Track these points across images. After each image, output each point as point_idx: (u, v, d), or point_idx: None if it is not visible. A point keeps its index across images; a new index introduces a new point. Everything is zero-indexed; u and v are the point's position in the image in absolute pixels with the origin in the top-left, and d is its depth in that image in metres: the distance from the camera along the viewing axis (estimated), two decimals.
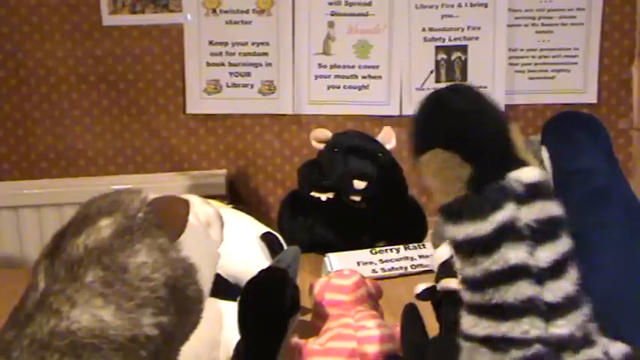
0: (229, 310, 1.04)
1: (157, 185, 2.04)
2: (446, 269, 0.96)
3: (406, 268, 1.49)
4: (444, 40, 2.13)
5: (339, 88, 2.14)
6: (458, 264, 0.72)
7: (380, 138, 1.64)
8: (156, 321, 0.64)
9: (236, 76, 2.13)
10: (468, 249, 0.70)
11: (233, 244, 1.21)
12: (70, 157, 2.15)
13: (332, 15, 2.11)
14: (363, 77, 2.14)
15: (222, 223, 0.78)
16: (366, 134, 1.69)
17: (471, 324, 0.71)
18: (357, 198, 1.57)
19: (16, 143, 2.13)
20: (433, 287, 0.96)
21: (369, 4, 2.10)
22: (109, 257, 0.63)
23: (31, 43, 2.08)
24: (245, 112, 2.15)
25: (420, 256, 1.51)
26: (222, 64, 2.12)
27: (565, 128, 1.08)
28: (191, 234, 0.69)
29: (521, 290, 0.68)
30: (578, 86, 2.15)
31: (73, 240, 0.64)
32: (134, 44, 2.10)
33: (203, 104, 2.14)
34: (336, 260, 1.45)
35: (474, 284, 0.70)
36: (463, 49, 2.14)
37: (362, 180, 1.54)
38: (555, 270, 0.69)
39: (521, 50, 2.15)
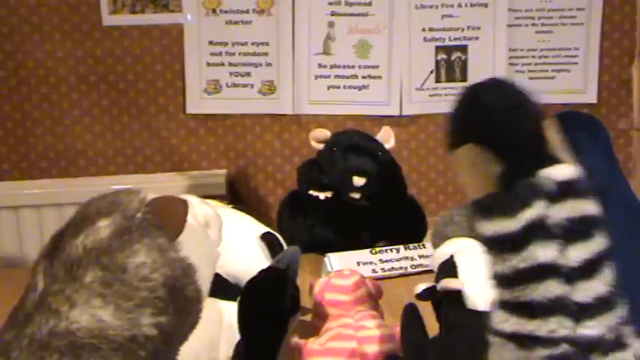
0: (229, 310, 1.05)
1: (156, 185, 2.04)
2: (446, 269, 0.96)
3: (406, 268, 1.49)
4: (444, 40, 2.13)
5: (339, 88, 2.14)
6: (488, 259, 0.71)
7: (379, 137, 1.65)
8: (155, 321, 0.64)
9: (236, 76, 2.13)
10: (497, 246, 0.70)
11: (233, 244, 1.21)
12: (70, 157, 2.15)
13: (332, 15, 2.11)
14: (363, 77, 2.14)
15: (220, 223, 0.78)
16: (365, 133, 1.69)
17: (500, 320, 0.70)
18: (356, 195, 1.57)
19: (16, 143, 2.13)
20: (433, 287, 0.96)
21: (369, 4, 2.10)
22: (108, 257, 0.63)
23: (31, 43, 2.08)
24: (245, 112, 2.15)
25: (420, 256, 1.51)
26: (222, 64, 2.12)
27: (565, 128, 1.08)
28: (190, 234, 0.69)
29: (549, 289, 0.67)
30: (578, 86, 2.15)
31: (72, 240, 0.64)
32: (134, 44, 2.10)
33: (203, 104, 2.14)
34: (336, 260, 1.45)
35: (503, 281, 0.70)
36: (463, 49, 2.14)
37: (361, 176, 1.54)
38: (587, 270, 0.68)
39: (521, 50, 2.15)
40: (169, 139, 2.16)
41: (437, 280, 0.96)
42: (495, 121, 0.71)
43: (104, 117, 2.14)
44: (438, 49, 2.13)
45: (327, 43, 2.12)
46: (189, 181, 2.09)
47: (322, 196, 1.60)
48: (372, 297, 1.18)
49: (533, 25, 2.14)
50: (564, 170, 0.70)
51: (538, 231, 0.68)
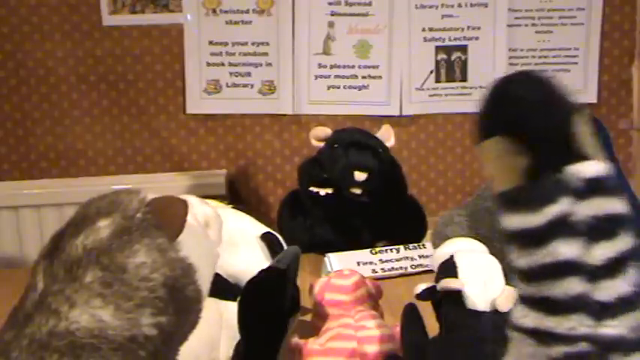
0: (229, 310, 1.04)
1: (156, 185, 2.04)
2: (446, 269, 0.96)
3: (406, 268, 1.49)
4: (444, 40, 2.13)
5: (339, 88, 2.14)
6: (512, 253, 0.71)
7: (379, 135, 1.65)
8: (155, 321, 0.64)
9: (236, 76, 2.13)
10: (521, 239, 0.69)
11: (233, 244, 1.21)
12: (70, 157, 2.15)
13: (332, 15, 2.11)
14: (363, 77, 2.14)
15: (220, 223, 0.78)
16: (365, 131, 1.69)
17: (520, 314, 0.70)
18: (357, 191, 1.57)
19: (16, 143, 2.13)
20: (433, 287, 0.96)
21: (369, 4, 2.10)
22: (108, 257, 0.63)
23: (31, 43, 2.08)
24: (245, 112, 2.15)
25: (420, 256, 1.51)
26: (222, 64, 2.12)
27: None
28: (190, 234, 0.69)
29: (570, 286, 0.67)
30: (578, 86, 2.15)
31: (72, 240, 0.64)
32: (134, 44, 2.10)
33: (203, 104, 2.14)
34: (336, 260, 1.45)
35: (524, 275, 0.69)
36: (463, 49, 2.14)
37: (363, 171, 1.55)
38: (611, 269, 0.67)
39: (521, 50, 2.15)
40: (169, 139, 2.16)
41: (437, 280, 0.96)
42: (524, 114, 0.70)
43: (104, 117, 2.14)
44: (438, 49, 2.13)
45: (327, 43, 2.12)
46: (189, 181, 2.09)
47: (323, 192, 1.60)
48: (372, 297, 1.18)
49: (533, 25, 2.14)
50: (592, 167, 0.69)
51: (562, 227, 0.67)
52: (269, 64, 2.12)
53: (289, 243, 1.26)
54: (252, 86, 2.13)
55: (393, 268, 1.49)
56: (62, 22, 2.07)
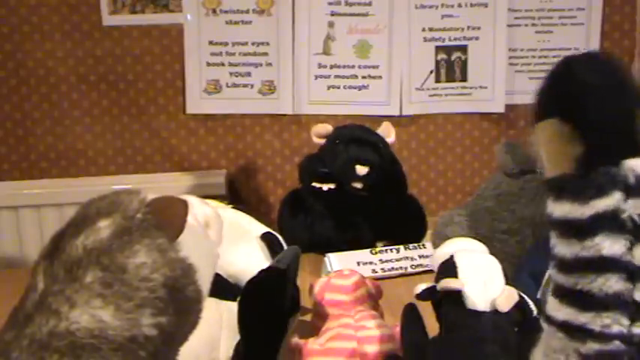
0: (229, 310, 1.04)
1: (156, 185, 2.04)
2: (446, 269, 0.96)
3: (406, 268, 1.49)
4: (444, 40, 2.13)
5: (339, 88, 2.14)
6: (552, 240, 0.69)
7: (380, 132, 1.65)
8: (155, 321, 0.64)
9: (236, 76, 2.13)
10: (564, 229, 0.67)
11: (233, 244, 1.21)
12: (70, 157, 2.15)
13: (332, 15, 2.11)
14: (363, 77, 2.14)
15: (221, 223, 0.78)
16: (366, 127, 1.70)
17: (553, 306, 0.68)
18: (358, 185, 1.58)
19: (16, 143, 2.13)
20: (433, 287, 0.96)
21: (369, 4, 2.10)
22: (108, 258, 0.63)
23: (31, 43, 2.08)
24: (245, 112, 2.15)
25: (420, 256, 1.51)
26: (222, 64, 2.12)
27: None
28: (190, 234, 0.69)
29: (609, 283, 0.65)
30: None
31: (72, 241, 0.64)
32: (134, 44, 2.10)
33: (203, 104, 2.14)
34: (336, 260, 1.45)
35: (562, 265, 0.68)
36: (463, 49, 2.14)
37: (364, 165, 1.55)
38: None
39: (521, 50, 2.15)
40: (169, 139, 2.16)
41: (437, 280, 0.96)
42: (585, 99, 0.65)
43: (104, 117, 2.14)
44: (438, 49, 2.13)
45: (327, 43, 2.12)
46: (189, 181, 2.09)
47: (325, 187, 1.60)
48: (372, 297, 1.18)
49: (533, 25, 2.14)
50: None
51: (609, 222, 0.65)
52: (269, 64, 2.12)
53: (289, 242, 1.26)
54: (252, 86, 2.13)
55: (393, 268, 1.49)
56: (62, 22, 2.07)
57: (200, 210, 0.75)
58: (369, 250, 1.53)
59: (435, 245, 1.13)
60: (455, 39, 2.13)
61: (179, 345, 0.70)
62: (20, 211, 2.06)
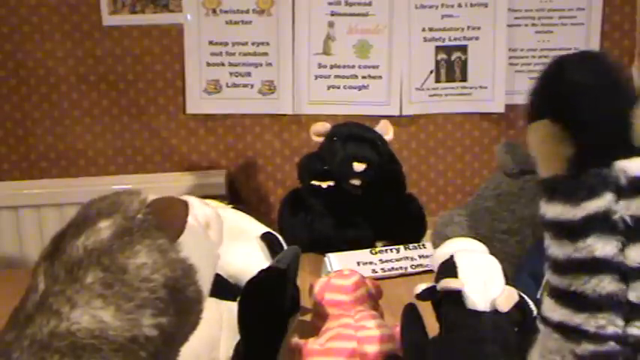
0: (229, 310, 1.05)
1: (156, 185, 2.04)
2: (446, 269, 0.96)
3: (406, 268, 1.49)
4: (444, 40, 2.13)
5: (339, 88, 2.14)
6: (546, 241, 0.69)
7: (378, 129, 1.66)
8: (155, 322, 0.64)
9: (236, 76, 2.13)
10: (556, 230, 0.67)
11: (233, 244, 1.21)
12: (70, 157, 2.15)
13: (332, 15, 2.11)
14: (363, 77, 2.14)
15: (221, 224, 0.78)
16: (364, 124, 1.70)
17: (548, 307, 0.69)
18: (356, 182, 1.58)
19: (16, 143, 2.13)
20: (433, 287, 0.96)
21: (369, 4, 2.10)
22: (109, 258, 0.63)
23: (31, 43, 2.08)
24: (245, 112, 2.15)
25: (420, 256, 1.51)
26: (222, 64, 2.12)
27: None
28: (190, 235, 0.69)
29: (602, 284, 0.65)
30: None
31: (73, 241, 0.64)
32: (134, 44, 2.10)
33: (203, 104, 2.14)
34: (336, 260, 1.46)
35: (556, 266, 0.68)
36: (463, 49, 2.14)
37: (361, 162, 1.55)
38: None
39: (521, 50, 2.15)
40: (169, 139, 2.16)
41: (437, 280, 0.96)
42: (576, 99, 0.65)
43: (104, 117, 2.14)
44: (438, 49, 2.14)
45: (327, 43, 2.12)
46: (189, 181, 2.09)
47: (324, 185, 1.61)
48: (372, 297, 1.18)
49: (533, 25, 2.14)
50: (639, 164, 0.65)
51: (600, 224, 0.65)
52: (269, 64, 2.12)
53: (290, 241, 1.26)
54: (252, 86, 2.13)
55: (393, 268, 1.49)
56: (62, 22, 2.07)
57: (200, 210, 0.75)
58: (369, 250, 1.53)
59: (435, 245, 1.13)
60: (455, 39, 2.13)
61: (179, 345, 0.70)
62: (20, 211, 2.06)
